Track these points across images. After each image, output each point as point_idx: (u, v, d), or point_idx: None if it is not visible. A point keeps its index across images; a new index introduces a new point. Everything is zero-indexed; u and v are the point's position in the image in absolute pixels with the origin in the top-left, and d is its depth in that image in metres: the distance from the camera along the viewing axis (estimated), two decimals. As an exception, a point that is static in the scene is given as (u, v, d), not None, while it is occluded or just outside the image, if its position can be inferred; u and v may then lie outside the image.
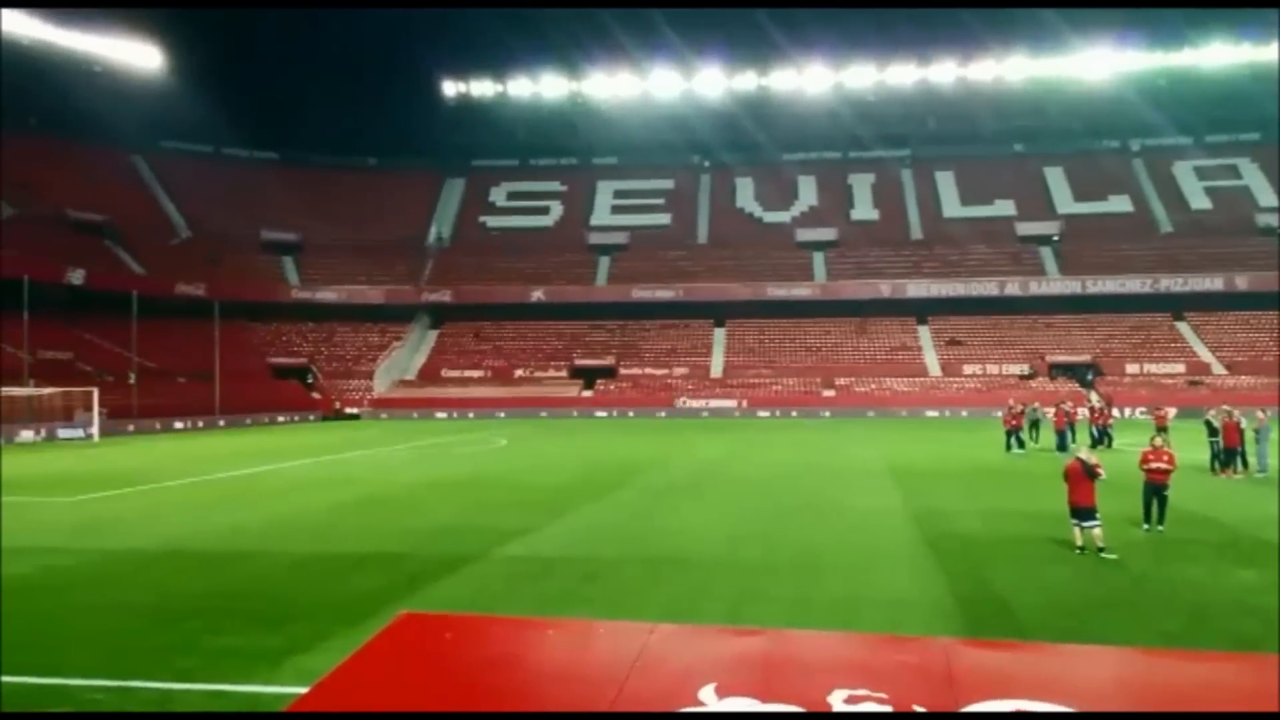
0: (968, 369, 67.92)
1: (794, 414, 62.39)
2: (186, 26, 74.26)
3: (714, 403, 65.33)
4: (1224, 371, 63.42)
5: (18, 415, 44.96)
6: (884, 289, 73.31)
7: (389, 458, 33.35)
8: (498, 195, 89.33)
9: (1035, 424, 35.27)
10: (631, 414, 64.12)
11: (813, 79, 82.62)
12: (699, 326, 75.35)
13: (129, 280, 62.79)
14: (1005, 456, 31.06)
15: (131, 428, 49.41)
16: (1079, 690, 3.47)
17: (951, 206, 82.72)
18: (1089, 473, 13.88)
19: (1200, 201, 78.59)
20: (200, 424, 54.27)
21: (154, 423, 51.24)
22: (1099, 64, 79.14)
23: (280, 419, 60.39)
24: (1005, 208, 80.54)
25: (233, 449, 37.61)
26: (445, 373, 71.98)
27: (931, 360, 69.67)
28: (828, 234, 79.98)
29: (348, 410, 65.10)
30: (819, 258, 78.43)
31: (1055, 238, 76.77)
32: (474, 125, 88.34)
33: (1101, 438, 32.36)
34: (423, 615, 5.89)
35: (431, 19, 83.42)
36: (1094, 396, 55.36)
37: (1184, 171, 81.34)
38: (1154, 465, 15.64)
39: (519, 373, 71.31)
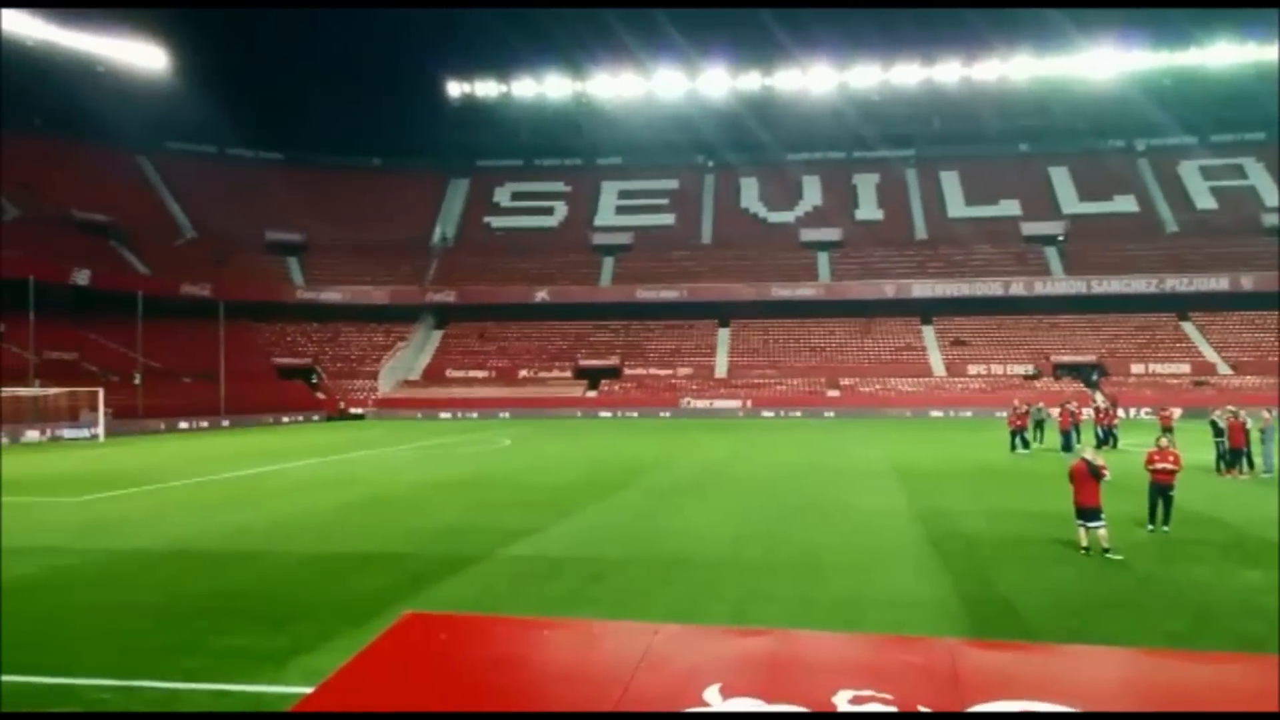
0: (972, 369, 67.84)
1: (798, 414, 62.35)
2: (191, 27, 74.62)
3: (718, 403, 65.30)
4: (1229, 372, 63.26)
5: (24, 415, 45.07)
6: (888, 289, 73.24)
7: (393, 458, 33.37)
8: (502, 195, 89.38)
9: (1040, 424, 35.20)
10: (635, 414, 64.12)
11: (817, 79, 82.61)
12: (703, 327, 75.33)
13: (134, 281, 62.92)
14: (1010, 457, 31.02)
15: (138, 428, 49.51)
16: (1084, 691, 3.47)
17: (956, 206, 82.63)
18: (1094, 473, 13.85)
19: (1206, 201, 78.42)
20: (205, 424, 54.36)
21: (159, 423, 51.34)
22: (1104, 63, 79.04)
23: (285, 419, 60.46)
24: (1010, 208, 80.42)
25: (237, 449, 37.67)
26: (450, 373, 72.04)
27: (936, 360, 69.59)
28: (832, 234, 79.92)
29: (352, 410, 65.15)
30: (823, 258, 78.39)
31: (1060, 238, 76.65)
32: (478, 125, 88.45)
33: (1106, 438, 32.30)
34: (427, 615, 5.89)
35: (436, 19, 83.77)
36: (1099, 397, 55.27)
37: (1189, 171, 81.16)
38: (1159, 466, 15.61)
39: (523, 373, 71.34)
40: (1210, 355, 65.72)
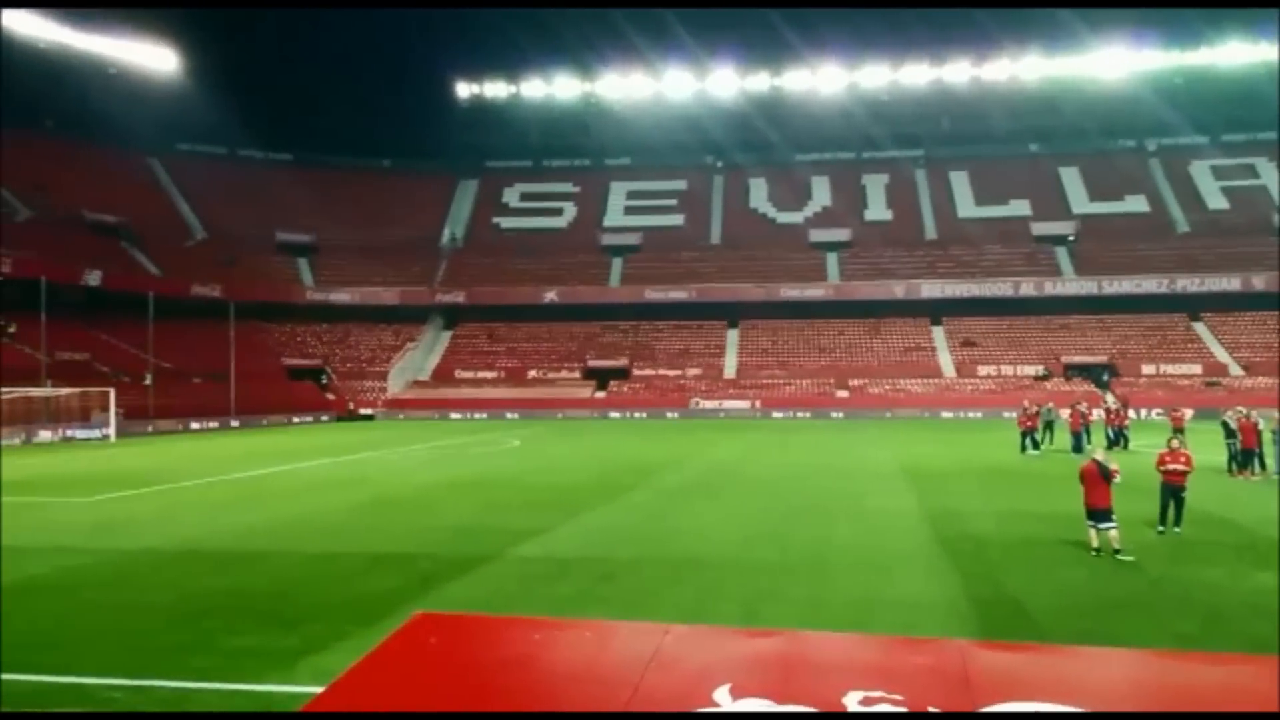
0: (982, 370, 67.65)
1: (807, 415, 62.27)
2: (201, 29, 74.86)
3: (727, 404, 65.24)
4: (1241, 372, 62.95)
5: (35, 416, 45.33)
6: (898, 290, 73.07)
7: (403, 458, 33.44)
8: (511, 196, 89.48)
9: (1050, 425, 35.09)
10: (644, 415, 64.12)
11: (826, 79, 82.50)
12: (712, 327, 75.28)
13: (145, 281, 63.15)
14: (1020, 458, 30.91)
15: (149, 428, 49.73)
16: (1095, 692, 3.46)
17: (966, 207, 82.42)
18: (1105, 475, 13.80)
19: (1217, 201, 78.06)
20: (215, 424, 54.54)
21: (170, 423, 51.54)
22: (1114, 63, 78.73)
23: (295, 420, 60.64)
24: (1020, 208, 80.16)
25: (248, 449, 37.79)
26: (459, 374, 72.14)
27: (946, 361, 69.42)
28: (841, 234, 79.80)
29: (362, 411, 65.30)
30: (832, 258, 78.27)
31: (1071, 238, 76.38)
32: (487, 126, 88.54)
33: (1117, 439, 32.19)
34: (437, 615, 5.89)
35: (445, 20, 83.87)
36: (1110, 398, 55.05)
37: (1201, 171, 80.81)
38: (1171, 467, 15.56)
39: (532, 374, 71.41)
40: (1222, 356, 65.42)
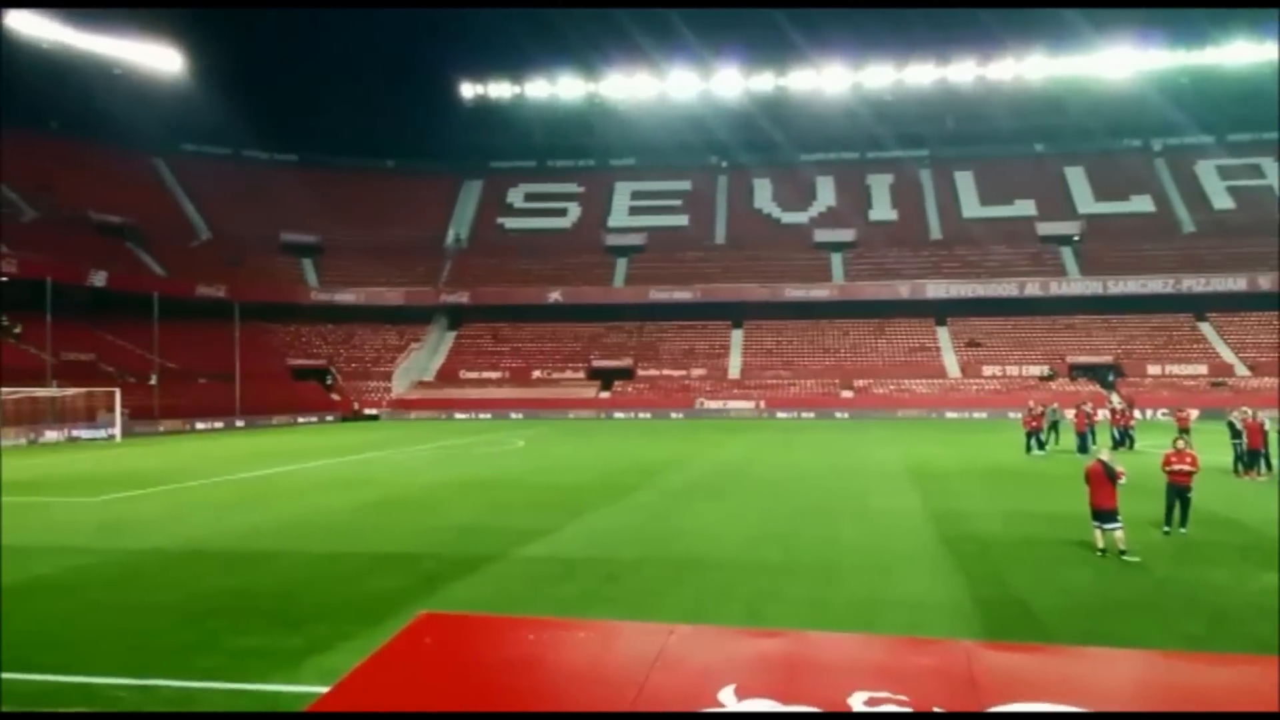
0: (987, 370, 67.56)
1: (811, 415, 62.23)
2: (206, 30, 74.96)
3: (732, 404, 65.22)
4: (1247, 372, 62.78)
5: (41, 416, 45.45)
6: (903, 290, 73.02)
7: (408, 458, 33.47)
8: (515, 197, 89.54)
9: (1055, 425, 35.02)
10: (649, 415, 64.12)
11: (830, 79, 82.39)
12: (717, 328, 75.27)
13: (150, 282, 63.30)
14: (1025, 458, 30.88)
15: (155, 429, 49.83)
16: (1100, 693, 3.46)
17: (971, 207, 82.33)
18: (1110, 475, 13.78)
19: (1223, 201, 77.90)
20: (220, 425, 54.64)
21: (175, 423, 51.65)
22: (1120, 62, 78.51)
23: (300, 420, 60.73)
24: (1025, 208, 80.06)
25: (253, 449, 37.86)
26: (463, 374, 72.20)
27: (951, 361, 69.35)
28: (846, 235, 79.76)
29: (366, 411, 65.40)
30: (837, 258, 78.22)
31: (1076, 238, 76.26)
32: (491, 127, 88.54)
33: (1123, 439, 32.12)
34: (442, 615, 5.90)
35: (449, 21, 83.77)
36: (1115, 398, 54.95)
37: (1206, 171, 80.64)
38: (1176, 467, 15.53)
39: (537, 374, 71.43)
40: (1228, 356, 65.27)
